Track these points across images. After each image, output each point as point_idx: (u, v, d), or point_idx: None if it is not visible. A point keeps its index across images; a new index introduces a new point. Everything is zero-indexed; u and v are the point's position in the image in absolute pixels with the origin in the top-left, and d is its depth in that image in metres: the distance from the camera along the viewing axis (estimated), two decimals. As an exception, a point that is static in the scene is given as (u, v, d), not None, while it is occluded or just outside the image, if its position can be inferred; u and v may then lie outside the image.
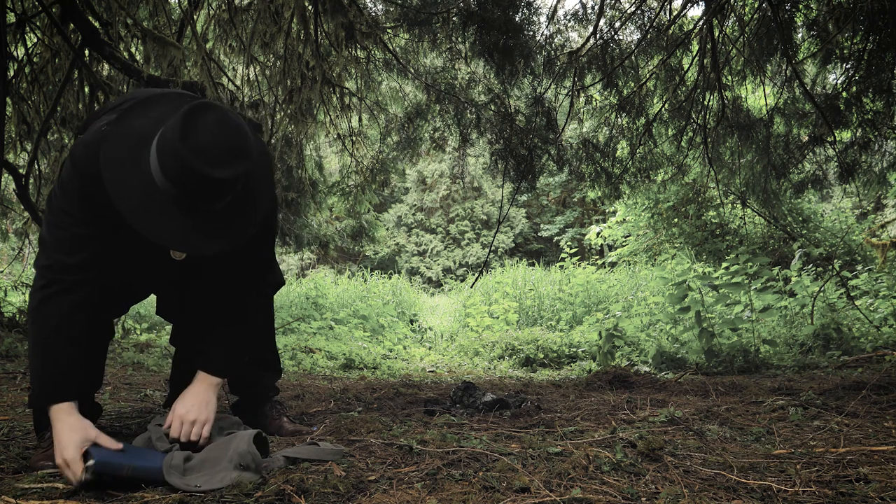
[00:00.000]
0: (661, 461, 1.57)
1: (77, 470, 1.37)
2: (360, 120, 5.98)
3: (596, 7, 4.89)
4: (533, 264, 13.57)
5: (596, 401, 2.69)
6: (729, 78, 5.06)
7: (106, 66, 4.48)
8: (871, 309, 5.73)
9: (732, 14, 4.97)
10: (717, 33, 4.70)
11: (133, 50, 4.48)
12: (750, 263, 4.66)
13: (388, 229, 24.61)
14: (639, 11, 4.84)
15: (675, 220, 10.74)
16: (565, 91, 5.10)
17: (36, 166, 4.64)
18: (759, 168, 5.35)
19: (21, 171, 4.43)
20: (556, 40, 4.83)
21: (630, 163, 5.38)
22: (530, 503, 1.28)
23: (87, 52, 4.11)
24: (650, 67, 5.09)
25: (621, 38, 4.95)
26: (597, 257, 15.31)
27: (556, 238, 23.59)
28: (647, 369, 4.30)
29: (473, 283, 7.11)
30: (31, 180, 4.57)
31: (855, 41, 4.62)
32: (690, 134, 5.28)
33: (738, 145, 5.22)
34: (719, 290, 4.61)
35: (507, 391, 3.07)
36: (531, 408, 2.43)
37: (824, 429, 1.95)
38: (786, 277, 6.88)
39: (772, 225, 9.85)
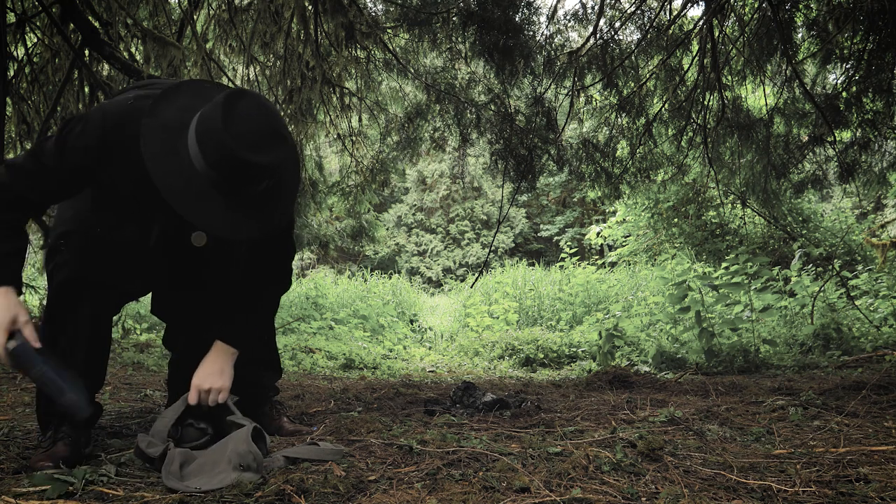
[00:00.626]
0: (661, 461, 1.57)
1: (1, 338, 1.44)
2: (360, 120, 5.98)
3: (596, 7, 4.89)
4: (533, 264, 13.57)
5: (596, 401, 2.69)
6: (729, 78, 5.06)
7: (106, 66, 4.48)
8: (871, 309, 5.73)
9: (732, 14, 4.97)
10: (717, 33, 4.70)
11: (133, 50, 4.48)
12: (750, 263, 4.66)
13: (388, 229, 24.60)
14: (639, 11, 4.84)
15: (675, 220, 10.74)
16: (565, 91, 5.10)
17: (36, 166, 4.63)
18: (759, 168, 5.35)
19: (21, 171, 4.42)
20: (556, 40, 4.83)
21: (630, 163, 5.38)
22: (530, 503, 1.28)
23: (87, 52, 4.11)
24: (650, 67, 5.08)
25: (621, 38, 4.96)
26: (597, 257, 15.30)
27: (556, 238, 23.59)
28: (647, 369, 4.30)
29: (473, 283, 7.11)
30: (31, 180, 4.56)
31: (855, 41, 4.62)
32: (690, 134, 5.28)
33: (738, 145, 5.22)
34: (719, 290, 4.61)
35: (507, 391, 3.07)
36: (531, 408, 2.43)
37: (824, 429, 1.95)
38: (786, 277, 6.88)
39: (772, 225, 9.85)
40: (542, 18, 9.73)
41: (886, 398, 2.39)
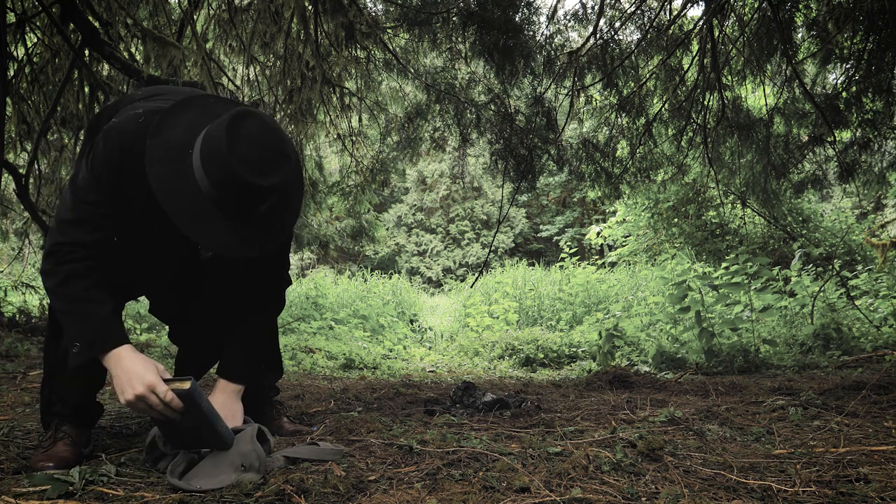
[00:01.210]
0: (661, 461, 1.57)
1: (163, 389, 1.43)
2: (360, 120, 5.98)
3: (596, 7, 4.89)
4: (533, 264, 13.57)
5: (596, 401, 2.69)
6: (729, 78, 5.06)
7: (106, 66, 4.49)
8: (871, 309, 5.73)
9: (732, 14, 4.97)
10: (717, 33, 4.70)
11: (133, 50, 4.48)
12: (750, 263, 4.66)
13: (388, 229, 24.61)
14: (639, 11, 4.84)
15: (675, 220, 10.74)
16: (565, 91, 5.10)
17: (36, 166, 4.64)
18: (759, 168, 5.35)
19: (21, 171, 4.43)
20: (556, 40, 4.83)
21: (630, 163, 5.38)
22: (530, 503, 1.28)
23: (87, 52, 4.11)
24: (650, 67, 5.08)
25: (621, 38, 4.96)
26: (597, 257, 15.30)
27: (555, 238, 23.60)
28: (647, 369, 4.30)
29: (473, 283, 7.11)
30: (31, 180, 4.57)
31: (855, 41, 4.62)
32: (690, 134, 5.28)
33: (738, 145, 5.22)
34: (719, 290, 4.61)
35: (507, 391, 3.07)
36: (531, 408, 2.43)
37: (824, 429, 1.95)
38: (786, 277, 6.88)
39: (772, 225, 9.85)
40: (542, 18, 9.74)
41: (886, 398, 2.39)
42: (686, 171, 6.64)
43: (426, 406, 2.50)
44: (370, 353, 5.94)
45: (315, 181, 6.61)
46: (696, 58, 4.91)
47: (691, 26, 5.13)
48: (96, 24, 3.84)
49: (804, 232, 9.92)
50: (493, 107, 4.99)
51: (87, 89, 4.51)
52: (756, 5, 4.81)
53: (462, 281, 15.50)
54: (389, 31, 5.04)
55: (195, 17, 4.71)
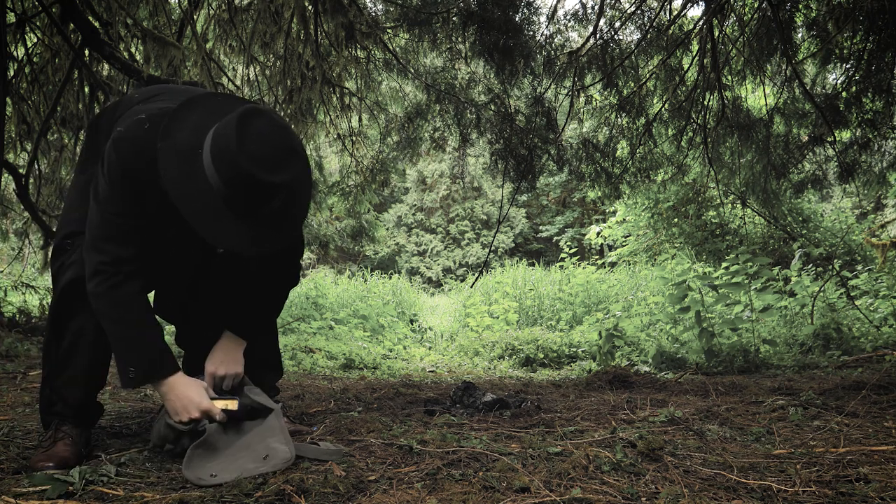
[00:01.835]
0: (661, 461, 1.57)
1: (216, 413, 1.61)
2: (360, 120, 5.98)
3: (596, 7, 4.89)
4: (533, 264, 13.57)
5: (596, 401, 2.69)
6: (729, 78, 5.06)
7: (106, 66, 4.49)
8: (871, 309, 5.73)
9: (732, 14, 4.97)
10: (717, 33, 4.70)
11: (133, 50, 4.48)
12: (750, 263, 4.66)
13: (388, 229, 24.61)
14: (639, 11, 4.84)
15: (675, 220, 10.74)
16: (565, 91, 5.10)
17: (36, 166, 4.63)
18: (759, 168, 5.35)
19: (21, 171, 4.43)
20: (556, 40, 4.83)
21: (630, 163, 5.38)
22: (530, 503, 1.28)
23: (87, 52, 4.11)
24: (650, 67, 5.08)
25: (621, 38, 4.96)
26: (597, 257, 15.30)
27: (555, 238, 23.60)
28: (647, 369, 4.30)
29: (473, 283, 7.11)
30: (31, 180, 4.57)
31: (855, 41, 4.62)
32: (690, 134, 5.28)
33: (738, 145, 5.22)
34: (719, 290, 4.61)
35: (507, 391, 3.07)
36: (531, 408, 2.43)
37: (824, 429, 1.95)
38: (786, 277, 6.88)
39: (772, 225, 9.85)
40: (542, 18, 9.74)
41: (886, 398, 2.39)
42: (686, 171, 6.64)
43: (426, 406, 2.50)
44: (370, 353, 5.93)
45: (315, 181, 6.61)
46: (696, 58, 4.91)
47: (691, 26, 5.13)
48: (96, 24, 3.84)
49: (804, 232, 9.92)
50: (493, 107, 4.99)
51: (87, 89, 4.51)
52: (756, 5, 4.81)
53: (462, 281, 15.50)
54: (389, 31, 5.04)
55: (195, 17, 4.71)
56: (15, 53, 4.44)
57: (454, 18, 4.43)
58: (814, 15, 4.72)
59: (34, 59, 4.60)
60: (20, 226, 6.25)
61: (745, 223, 10.17)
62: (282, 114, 4.87)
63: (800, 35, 5.09)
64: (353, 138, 6.23)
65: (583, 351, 5.81)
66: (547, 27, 4.86)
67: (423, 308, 11.19)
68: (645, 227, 11.48)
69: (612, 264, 12.41)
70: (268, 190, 1.46)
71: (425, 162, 25.05)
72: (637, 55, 4.88)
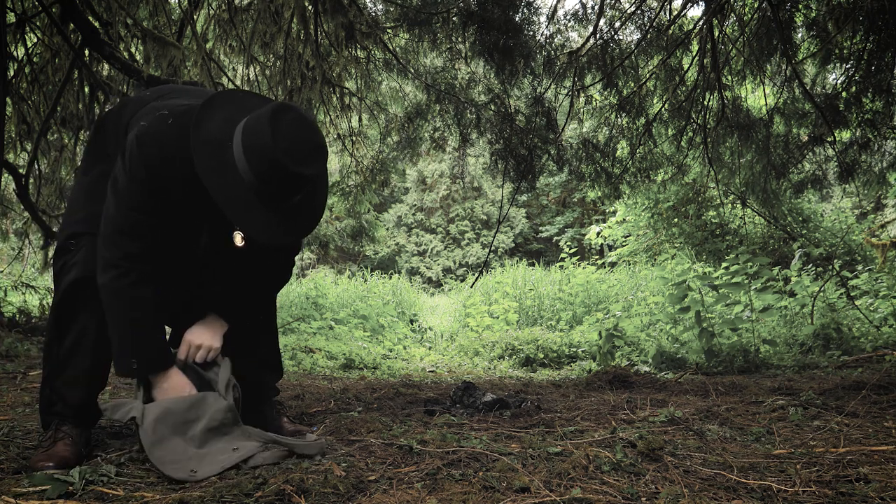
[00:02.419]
0: (661, 461, 1.57)
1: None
2: (360, 120, 5.98)
3: (596, 7, 4.89)
4: (533, 264, 13.56)
5: (596, 401, 2.69)
6: (729, 78, 5.06)
7: (106, 66, 4.48)
8: (871, 309, 5.73)
9: (732, 14, 4.97)
10: (717, 33, 4.70)
11: (133, 50, 4.48)
12: (750, 263, 4.66)
13: (388, 229, 24.61)
14: (639, 11, 4.84)
15: (675, 220, 10.74)
16: (565, 91, 5.10)
17: (36, 166, 4.63)
18: (758, 168, 5.35)
19: (21, 171, 4.43)
20: (556, 40, 4.83)
21: (630, 163, 5.38)
22: (530, 503, 1.28)
23: (87, 52, 4.11)
24: (650, 67, 5.08)
25: (621, 38, 4.96)
26: (597, 257, 15.30)
27: (555, 238, 23.60)
28: (647, 369, 4.30)
29: (473, 283, 7.11)
30: (31, 180, 4.57)
31: (855, 41, 4.62)
32: (690, 134, 5.28)
33: (737, 145, 5.22)
34: (719, 290, 4.61)
35: (507, 391, 3.07)
36: (531, 408, 2.43)
37: (824, 429, 1.95)
38: (786, 277, 6.88)
39: (772, 225, 9.85)
40: (542, 18, 9.74)
41: (886, 398, 2.39)
42: (686, 171, 6.64)
43: (426, 406, 2.50)
44: (370, 353, 5.93)
45: (315, 181, 6.60)
46: (696, 58, 4.91)
47: (691, 26, 5.13)
48: (96, 24, 3.84)
49: (804, 232, 9.92)
50: (493, 107, 4.99)
51: (87, 89, 4.51)
52: (756, 5, 4.81)
53: (462, 281, 15.49)
54: (389, 31, 5.04)
55: (195, 17, 4.71)
56: (15, 53, 4.44)
57: (454, 18, 4.43)
58: (814, 15, 4.72)
59: (34, 59, 4.59)
60: (20, 226, 6.25)
61: (745, 223, 10.17)
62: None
63: (800, 35, 5.09)
64: (353, 138, 6.23)
65: (583, 351, 5.80)
66: (547, 27, 4.86)
67: (423, 308, 11.19)
68: (645, 227, 11.48)
69: (612, 264, 12.40)
70: (298, 182, 1.53)
71: (425, 162, 25.05)
72: (637, 55, 4.88)
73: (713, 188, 9.17)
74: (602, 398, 2.77)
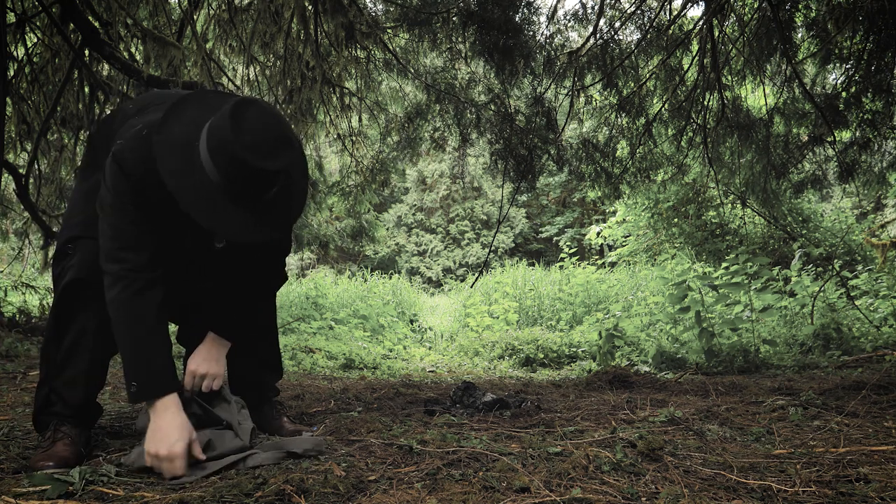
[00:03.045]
0: (661, 461, 1.57)
1: (180, 465, 1.49)
2: (360, 120, 5.98)
3: (596, 7, 4.89)
4: (533, 264, 13.56)
5: (596, 401, 2.69)
6: (729, 78, 5.06)
7: (106, 66, 4.48)
8: (871, 309, 5.73)
9: (732, 14, 4.97)
10: (716, 33, 4.70)
11: (133, 50, 4.48)
12: (750, 263, 4.66)
13: (388, 229, 24.61)
14: (639, 11, 4.84)
15: (675, 220, 10.74)
16: (565, 91, 5.10)
17: (36, 166, 4.64)
18: (758, 168, 5.35)
19: (21, 171, 4.43)
20: (556, 40, 4.83)
21: (630, 163, 5.38)
22: (530, 503, 1.28)
23: (87, 52, 4.11)
24: (650, 67, 5.08)
25: (621, 38, 4.96)
26: (597, 257, 15.30)
27: (555, 238, 23.59)
28: (647, 369, 4.30)
29: (473, 283, 7.11)
30: (31, 180, 4.57)
31: (855, 41, 4.62)
32: (690, 134, 5.28)
33: (737, 145, 5.22)
34: (719, 290, 4.61)
35: (507, 391, 3.07)
36: (531, 408, 2.43)
37: (824, 429, 1.95)
38: (786, 277, 6.88)
39: (772, 225, 9.85)
40: (542, 18, 9.74)
41: (886, 398, 2.39)
42: (686, 171, 6.64)
43: (426, 406, 2.50)
44: (370, 353, 5.93)
45: (315, 181, 6.61)
46: (696, 58, 4.91)
47: (691, 26, 5.13)
48: (96, 24, 3.84)
49: (804, 232, 9.92)
50: (493, 107, 4.99)
51: (87, 89, 4.51)
52: (756, 5, 4.81)
53: (462, 281, 15.49)
54: (389, 31, 5.04)
55: (195, 17, 4.71)
56: (15, 53, 4.44)
57: (454, 18, 4.43)
58: (814, 15, 4.73)
59: (34, 59, 4.59)
60: (20, 226, 6.25)
61: (745, 223, 10.17)
62: (282, 113, 4.87)
63: (800, 35, 5.09)
64: (353, 138, 6.23)
65: (583, 351, 5.80)
66: (547, 27, 4.86)
67: (423, 308, 11.19)
68: (645, 227, 11.48)
69: (612, 264, 12.41)
70: (264, 177, 1.49)
71: (425, 162, 25.05)
72: (637, 55, 4.88)
73: (713, 188, 9.18)
74: (602, 398, 2.77)
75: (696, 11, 8.50)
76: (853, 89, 4.73)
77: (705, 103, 5.03)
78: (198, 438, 1.59)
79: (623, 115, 5.14)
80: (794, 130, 5.29)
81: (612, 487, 1.37)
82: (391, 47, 5.02)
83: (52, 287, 1.78)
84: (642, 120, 5.16)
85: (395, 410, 2.46)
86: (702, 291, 4.65)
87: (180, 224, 1.63)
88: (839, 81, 5.08)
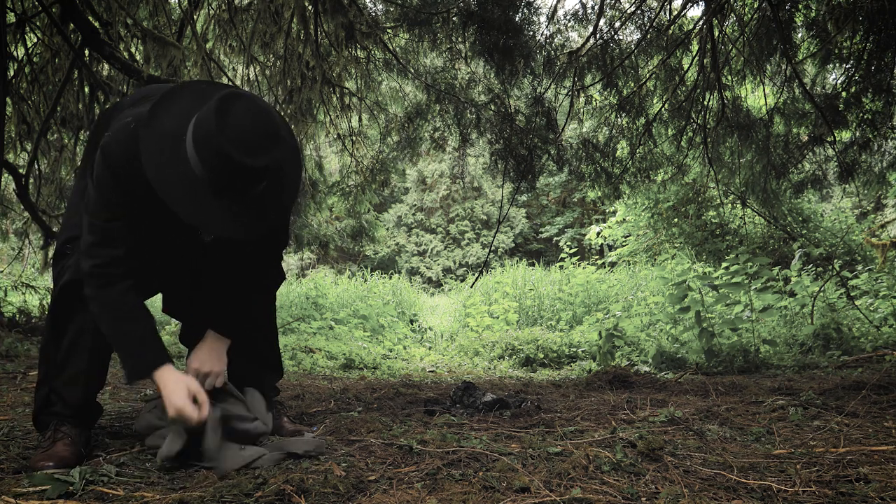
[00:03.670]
0: (661, 461, 1.57)
1: (191, 410, 1.54)
2: (360, 120, 5.98)
3: (596, 7, 4.89)
4: (533, 264, 13.56)
5: (596, 401, 2.69)
6: (729, 78, 5.06)
7: (106, 66, 4.49)
8: (871, 309, 5.73)
9: (732, 14, 4.97)
10: (716, 33, 4.70)
11: (133, 50, 4.48)
12: (750, 263, 4.65)
13: (388, 229, 24.60)
14: (639, 11, 4.84)
15: (675, 220, 10.74)
16: (565, 91, 5.10)
17: (36, 166, 4.64)
18: (758, 168, 5.35)
19: (21, 171, 4.43)
20: (556, 40, 4.83)
21: (630, 163, 5.38)
22: (530, 503, 1.28)
23: (87, 52, 4.11)
24: (650, 67, 5.09)
25: (621, 38, 4.96)
26: (597, 257, 15.30)
27: (555, 238, 23.59)
28: (647, 369, 4.30)
29: (473, 283, 7.11)
30: (31, 180, 4.57)
31: (855, 41, 4.62)
32: (690, 134, 5.28)
33: (737, 145, 5.22)
34: (719, 290, 4.61)
35: (507, 391, 3.07)
36: (531, 408, 2.43)
37: (824, 429, 1.95)
38: (786, 277, 6.88)
39: (772, 225, 9.85)
40: (542, 18, 9.74)
41: (886, 398, 2.39)
42: (686, 171, 6.64)
43: (426, 406, 2.50)
44: (370, 353, 5.93)
45: (315, 181, 6.61)
46: (696, 58, 4.91)
47: (691, 26, 5.13)
48: (96, 24, 3.84)
49: (804, 232, 9.92)
50: (493, 107, 4.99)
51: (87, 89, 4.52)
52: (756, 5, 4.81)
53: (462, 281, 15.48)
54: (389, 31, 5.04)
55: (195, 17, 4.71)
56: (15, 53, 4.44)
57: (454, 18, 4.43)
58: (813, 15, 4.73)
59: (34, 59, 4.60)
60: (20, 226, 6.25)
61: (745, 223, 10.17)
62: (281, 114, 4.87)
63: (800, 35, 5.09)
64: (353, 138, 6.23)
65: (583, 351, 5.80)
66: (547, 27, 4.86)
67: (423, 308, 11.19)
68: (645, 227, 11.48)
69: (612, 264, 12.40)
70: (249, 173, 1.46)
71: (425, 162, 25.04)
72: (637, 55, 4.88)
73: (713, 188, 9.18)
74: (602, 398, 2.77)
75: (696, 11, 8.49)
76: (853, 89, 4.73)
77: (705, 103, 5.03)
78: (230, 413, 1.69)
79: (623, 115, 5.14)
80: (794, 130, 5.29)
81: (612, 487, 1.37)
82: (391, 47, 5.02)
83: (52, 286, 1.78)
84: (642, 120, 5.16)
85: (395, 410, 2.46)
86: (702, 291, 4.65)
87: (168, 219, 1.61)
88: (839, 81, 5.08)
